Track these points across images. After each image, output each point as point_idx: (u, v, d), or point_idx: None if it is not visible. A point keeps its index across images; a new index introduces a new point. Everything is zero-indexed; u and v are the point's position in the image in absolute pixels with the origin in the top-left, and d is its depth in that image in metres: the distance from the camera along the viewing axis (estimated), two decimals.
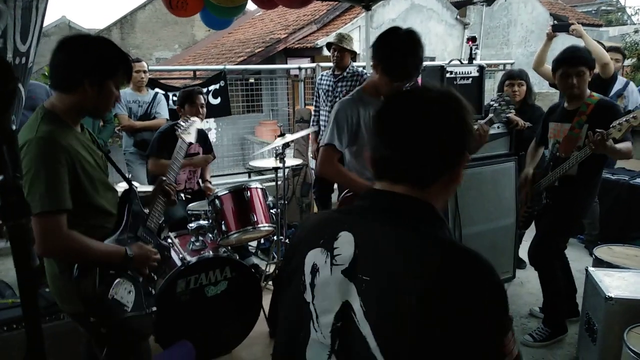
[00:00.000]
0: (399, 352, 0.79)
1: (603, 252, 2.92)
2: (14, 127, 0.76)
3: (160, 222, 1.94)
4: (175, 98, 4.96)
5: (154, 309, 1.75)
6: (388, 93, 2.15)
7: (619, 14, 22.68)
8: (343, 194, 2.30)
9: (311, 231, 0.99)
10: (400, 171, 0.92)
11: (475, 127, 2.20)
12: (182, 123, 2.49)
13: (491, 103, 2.29)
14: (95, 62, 1.55)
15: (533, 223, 3.07)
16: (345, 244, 0.89)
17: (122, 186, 2.38)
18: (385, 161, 0.94)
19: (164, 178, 2.02)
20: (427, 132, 0.90)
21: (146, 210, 1.88)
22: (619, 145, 2.43)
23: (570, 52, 2.65)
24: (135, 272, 1.69)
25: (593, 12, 19.97)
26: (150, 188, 3.43)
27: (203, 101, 3.45)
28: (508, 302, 0.81)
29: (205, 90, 5.19)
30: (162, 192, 1.97)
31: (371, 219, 0.91)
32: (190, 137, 2.44)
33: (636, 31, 12.29)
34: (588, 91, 2.65)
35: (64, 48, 1.55)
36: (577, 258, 3.56)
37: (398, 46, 2.03)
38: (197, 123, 2.58)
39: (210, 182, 3.77)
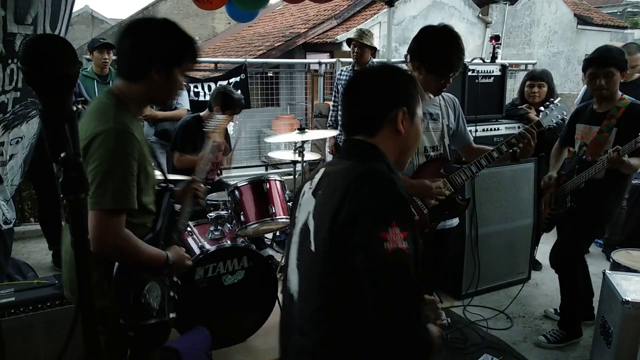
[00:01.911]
0: (320, 238, 1.14)
1: (621, 256, 2.89)
2: (74, 108, 0.81)
3: (187, 222, 1.88)
4: (196, 89, 5.02)
5: (173, 315, 1.71)
6: (437, 91, 2.21)
7: None
8: None
9: (311, 175, 1.34)
10: (354, 125, 1.28)
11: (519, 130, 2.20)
12: (211, 121, 2.40)
13: (547, 104, 2.27)
14: (163, 49, 1.49)
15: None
16: (319, 175, 1.28)
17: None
18: (346, 118, 1.32)
19: (195, 178, 1.96)
20: (363, 96, 1.27)
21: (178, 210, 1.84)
22: (633, 160, 2.42)
23: (600, 52, 2.62)
24: (165, 276, 1.66)
25: (618, 13, 19.55)
26: (173, 177, 3.50)
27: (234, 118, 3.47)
28: (402, 208, 1.09)
29: (225, 82, 5.24)
30: (191, 193, 1.91)
31: (337, 157, 1.31)
32: (220, 136, 2.39)
33: None
34: (619, 93, 2.60)
35: (131, 33, 1.50)
36: (594, 262, 3.52)
37: (439, 43, 2.08)
38: (225, 122, 2.52)
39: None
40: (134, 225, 1.53)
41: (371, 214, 1.05)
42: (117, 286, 1.50)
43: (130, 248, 1.48)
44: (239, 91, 5.36)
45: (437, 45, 2.09)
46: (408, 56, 2.23)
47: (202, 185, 1.98)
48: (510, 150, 2.18)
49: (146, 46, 1.48)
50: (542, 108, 2.32)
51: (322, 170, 1.28)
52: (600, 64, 2.53)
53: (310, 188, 1.26)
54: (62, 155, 0.75)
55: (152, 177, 1.61)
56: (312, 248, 1.16)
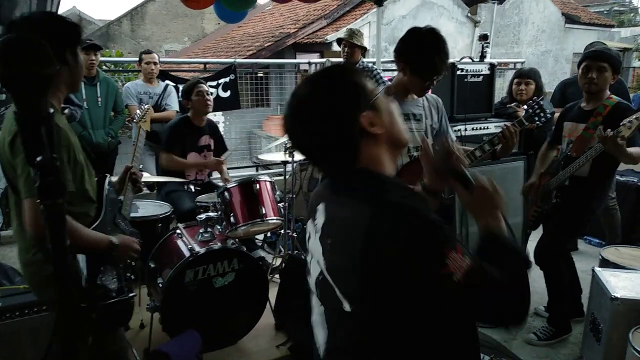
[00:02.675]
0: (352, 295, 0.98)
1: (609, 252, 2.92)
2: (51, 110, 0.78)
3: (130, 209, 2.02)
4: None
5: (133, 294, 1.79)
6: (421, 92, 2.22)
7: (632, 14, 22.45)
8: None
9: (310, 207, 1.18)
10: (328, 162, 1.10)
11: (501, 128, 2.22)
12: (138, 112, 2.51)
13: (530, 102, 2.30)
14: (64, 32, 1.55)
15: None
16: (321, 213, 1.09)
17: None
18: (316, 159, 1.12)
19: (130, 165, 2.08)
20: (316, 128, 1.04)
21: (120, 197, 1.95)
22: (630, 149, 2.43)
23: (597, 48, 2.73)
24: (117, 259, 1.73)
25: (605, 12, 19.78)
26: (159, 179, 3.47)
27: (207, 89, 3.46)
28: (440, 230, 0.93)
29: (215, 83, 5.21)
30: (131, 179, 2.03)
31: (331, 192, 1.11)
32: (147, 125, 2.47)
33: None
34: (608, 92, 2.66)
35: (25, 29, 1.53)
36: (584, 259, 3.55)
37: (424, 46, 2.09)
38: (150, 110, 2.55)
39: (228, 175, 3.75)
40: (75, 214, 1.58)
41: (421, 253, 0.90)
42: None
43: (70, 232, 1.50)
44: (229, 92, 5.35)
45: (421, 48, 2.09)
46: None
47: (139, 172, 2.10)
48: (491, 149, 2.21)
49: (54, 36, 1.48)
50: (525, 106, 2.35)
51: (322, 210, 1.08)
52: (595, 57, 2.60)
53: (316, 232, 1.09)
54: (38, 159, 0.73)
55: (86, 165, 1.66)
56: (346, 308, 0.98)
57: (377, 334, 0.96)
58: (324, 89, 1.05)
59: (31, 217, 1.45)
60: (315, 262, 1.09)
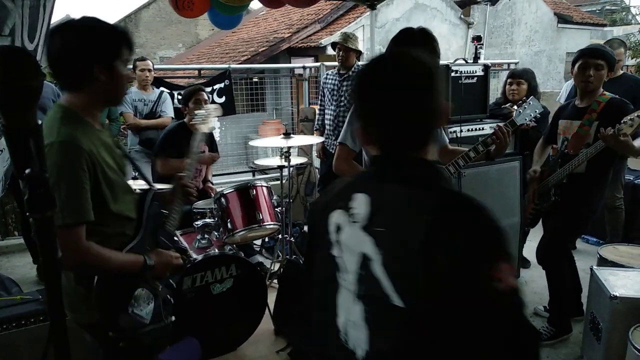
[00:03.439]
0: (407, 289, 0.91)
1: (608, 251, 2.92)
2: (39, 122, 0.76)
3: (177, 223, 1.82)
4: (180, 97, 4.99)
5: (173, 318, 1.68)
6: None
7: (624, 13, 22.59)
8: None
9: (332, 196, 1.11)
10: (403, 139, 1.02)
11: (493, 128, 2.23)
12: (198, 112, 2.32)
13: (521, 103, 2.33)
14: (96, 47, 1.41)
15: (540, 221, 3.06)
16: (361, 203, 1.01)
17: (138, 184, 2.35)
18: (392, 131, 1.03)
19: (183, 175, 1.89)
20: (413, 104, 0.99)
21: (165, 212, 1.78)
22: (637, 143, 2.45)
23: (594, 46, 2.75)
24: (155, 280, 1.62)
25: (597, 11, 19.89)
26: (158, 186, 3.45)
27: (206, 97, 3.46)
28: (503, 238, 0.91)
29: (209, 89, 5.21)
30: (181, 191, 1.84)
31: (380, 180, 1.03)
32: (207, 126, 2.30)
33: None
34: (601, 89, 2.67)
35: (57, 43, 1.41)
36: (582, 258, 3.55)
37: (414, 45, 2.10)
38: (215, 111, 2.40)
39: (211, 183, 3.78)
40: (109, 235, 1.50)
41: (477, 251, 0.88)
42: (99, 299, 1.47)
43: (96, 259, 1.43)
44: (224, 97, 5.34)
45: (412, 47, 2.11)
46: None
47: (192, 183, 1.91)
48: (485, 150, 2.22)
49: (79, 50, 1.40)
50: (515, 107, 2.38)
51: (363, 199, 1.02)
52: (592, 55, 2.61)
53: (354, 221, 1.01)
54: (27, 171, 0.72)
55: (121, 184, 1.56)
56: (398, 304, 0.92)
57: (432, 332, 0.90)
58: (422, 65, 1.02)
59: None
60: (354, 256, 1.00)
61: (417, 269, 0.89)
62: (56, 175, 1.34)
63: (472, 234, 0.89)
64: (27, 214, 0.73)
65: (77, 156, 1.37)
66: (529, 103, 2.32)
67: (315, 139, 4.18)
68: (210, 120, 2.32)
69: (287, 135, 3.36)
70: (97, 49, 1.41)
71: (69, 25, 1.43)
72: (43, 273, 0.78)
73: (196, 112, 2.35)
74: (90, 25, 1.43)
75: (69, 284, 1.52)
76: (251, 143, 3.85)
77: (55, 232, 0.76)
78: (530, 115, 2.32)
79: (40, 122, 0.77)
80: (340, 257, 1.03)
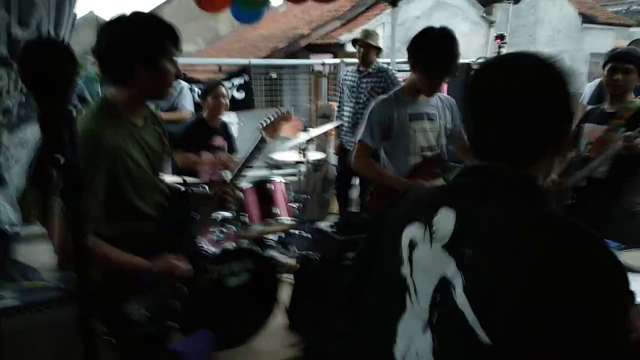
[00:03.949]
0: (499, 326, 0.77)
1: (630, 257, 2.84)
2: (73, 112, 0.78)
3: (204, 229, 1.82)
4: (200, 92, 5.02)
5: (177, 326, 1.66)
6: (429, 91, 2.23)
7: None
8: (371, 190, 2.35)
9: (409, 208, 0.99)
10: (501, 149, 0.89)
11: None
12: (267, 118, 2.16)
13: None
14: (141, 42, 1.42)
15: None
16: (445, 219, 0.88)
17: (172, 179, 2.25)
18: (482, 139, 0.92)
19: (227, 180, 1.85)
20: (526, 105, 0.86)
21: (195, 215, 1.73)
22: None
23: (624, 49, 2.71)
24: (160, 285, 1.61)
25: (623, 11, 19.43)
26: (173, 179, 3.50)
27: (225, 92, 3.48)
28: (627, 278, 0.77)
29: (229, 84, 5.24)
30: (222, 197, 1.79)
31: (472, 196, 0.89)
32: (277, 133, 2.17)
33: None
34: (632, 95, 2.62)
35: (105, 38, 1.43)
36: None
37: (434, 46, 2.12)
38: (285, 117, 2.19)
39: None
40: (127, 231, 1.49)
41: (604, 293, 0.75)
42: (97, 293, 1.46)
43: (98, 257, 1.40)
44: (243, 93, 5.37)
45: (429, 47, 2.11)
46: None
47: (235, 189, 1.86)
48: None
49: (124, 45, 1.41)
50: None
51: (448, 215, 0.88)
52: (622, 59, 2.56)
53: (435, 239, 0.88)
54: (61, 161, 0.73)
55: (148, 181, 1.55)
56: (483, 339, 0.78)
57: None
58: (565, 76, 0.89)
59: (56, 239, 1.38)
60: (430, 278, 0.87)
61: (517, 304, 0.76)
62: None
63: (598, 273, 0.76)
64: (61, 203, 0.74)
65: (93, 151, 1.37)
66: None
67: (332, 125, 4.13)
68: (279, 127, 2.15)
69: (305, 131, 3.37)
70: (140, 47, 1.42)
71: (117, 20, 1.44)
72: (74, 259, 0.80)
73: (267, 117, 2.18)
74: (136, 22, 1.44)
75: None
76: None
77: (86, 222, 0.77)
78: None
79: (74, 112, 0.78)
80: (412, 277, 0.91)
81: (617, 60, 2.57)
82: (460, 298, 0.81)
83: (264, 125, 2.12)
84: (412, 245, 0.92)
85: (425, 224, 0.90)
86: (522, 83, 0.87)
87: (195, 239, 1.75)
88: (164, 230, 1.61)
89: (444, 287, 0.85)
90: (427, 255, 0.89)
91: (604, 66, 2.65)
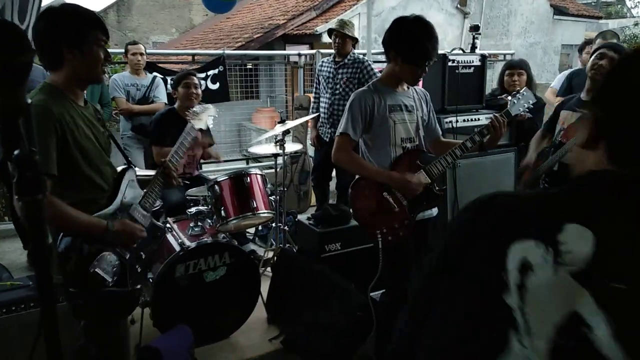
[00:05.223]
0: None
1: None
2: (28, 101, 0.73)
3: (156, 203, 1.97)
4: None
5: (138, 287, 1.79)
6: (413, 80, 2.23)
7: (619, 6, 22.60)
8: (353, 183, 2.34)
9: (509, 216, 0.76)
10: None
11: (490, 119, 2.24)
12: (195, 109, 2.44)
13: (514, 94, 2.37)
14: (64, 29, 1.60)
15: None
16: (578, 239, 0.68)
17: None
18: (630, 142, 0.72)
19: (167, 159, 2.04)
20: None
21: (143, 190, 1.92)
22: None
23: (616, 43, 2.90)
24: (122, 248, 1.74)
25: (593, 3, 19.87)
26: (149, 172, 3.42)
27: (196, 82, 3.41)
28: None
29: (203, 75, 5.15)
30: (162, 174, 1.99)
31: (616, 211, 0.69)
32: (201, 123, 2.40)
33: (636, 24, 12.27)
34: None
35: (36, 27, 1.63)
36: None
37: (413, 33, 2.10)
38: (210, 110, 2.51)
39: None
40: (83, 200, 1.64)
41: None
42: (61, 255, 1.57)
43: (56, 215, 1.53)
44: (217, 84, 5.29)
45: (411, 35, 2.10)
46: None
47: (176, 167, 2.06)
48: (481, 140, 2.23)
49: (49, 32, 1.60)
50: (509, 97, 2.41)
51: (582, 232, 0.68)
52: (611, 48, 2.67)
53: (562, 264, 0.67)
54: (15, 152, 0.69)
55: (96, 153, 1.70)
56: None
57: None
58: None
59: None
60: (553, 313, 0.66)
61: None
62: None
63: None
64: (16, 196, 0.70)
65: (44, 117, 1.53)
66: (523, 94, 2.35)
67: (309, 117, 4.09)
68: (204, 117, 2.42)
69: (282, 122, 3.33)
70: (64, 31, 1.60)
71: (46, 11, 1.65)
72: (32, 257, 0.76)
73: (192, 109, 2.43)
74: (61, 11, 1.63)
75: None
76: (247, 125, 3.80)
77: (45, 216, 0.74)
78: (524, 105, 2.34)
79: (29, 101, 0.73)
80: (523, 311, 0.68)
81: (607, 48, 2.67)
82: (607, 345, 0.62)
83: (191, 114, 2.37)
84: (524, 269, 0.70)
85: (546, 243, 0.69)
86: None
87: (146, 210, 1.90)
88: (119, 201, 1.76)
89: (573, 328, 0.65)
90: (548, 285, 0.68)
91: (592, 54, 2.75)
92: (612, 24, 15.17)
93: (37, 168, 0.73)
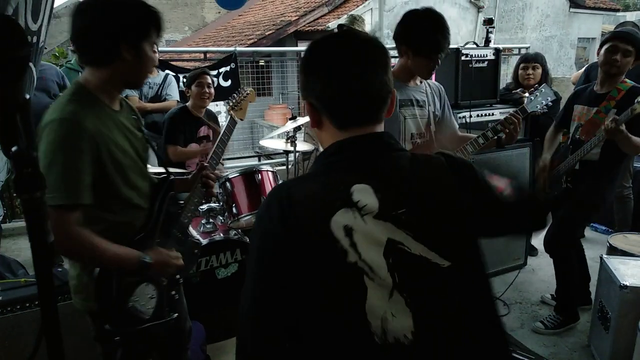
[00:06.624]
0: (455, 243, 0.96)
1: (618, 240, 2.88)
2: (27, 97, 0.72)
3: (192, 215, 1.75)
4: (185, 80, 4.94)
5: (175, 315, 1.62)
6: (426, 73, 2.19)
7: None
8: None
9: (318, 202, 0.95)
10: (372, 114, 1.05)
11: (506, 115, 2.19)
12: (235, 95, 2.22)
13: (532, 90, 2.30)
14: (127, 24, 1.36)
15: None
16: (364, 193, 0.94)
17: (153, 169, 2.27)
18: (361, 108, 1.03)
19: (206, 164, 1.80)
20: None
21: (181, 203, 1.71)
22: (635, 138, 2.37)
23: (627, 29, 2.69)
24: (156, 278, 1.56)
25: None
26: (159, 170, 3.43)
27: (210, 81, 3.41)
28: None
29: (215, 72, 5.15)
30: (202, 181, 1.76)
31: (372, 162, 0.99)
32: (242, 113, 2.20)
33: None
34: (623, 76, 2.59)
35: (87, 15, 1.36)
36: (590, 246, 3.51)
37: (424, 25, 2.06)
38: (250, 95, 2.27)
39: (222, 164, 3.73)
40: (115, 224, 1.44)
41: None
42: (99, 289, 1.42)
43: (83, 248, 1.34)
44: (229, 81, 5.29)
45: (422, 28, 2.06)
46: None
47: (215, 174, 1.84)
48: (496, 137, 2.18)
49: (109, 25, 1.34)
50: (527, 94, 2.33)
51: (366, 188, 0.95)
52: (623, 39, 2.51)
53: (365, 214, 0.93)
54: (13, 149, 0.67)
55: (134, 169, 1.49)
56: (444, 262, 0.93)
57: (477, 275, 0.99)
58: None
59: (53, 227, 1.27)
60: (378, 249, 0.92)
61: (461, 216, 0.97)
62: (54, 153, 1.28)
63: (473, 168, 1.07)
64: (15, 194, 0.70)
65: (77, 135, 1.30)
66: (541, 91, 2.28)
67: None
68: (245, 104, 2.22)
69: (293, 119, 3.32)
70: (126, 26, 1.37)
71: (103, 1, 1.38)
72: (33, 256, 0.75)
73: (231, 99, 2.23)
74: (122, 2, 1.39)
75: (74, 269, 1.50)
76: (259, 122, 3.79)
77: (45, 214, 0.72)
78: (542, 102, 2.28)
79: (28, 97, 0.72)
80: (361, 259, 0.91)
81: (619, 39, 2.51)
82: (415, 247, 0.93)
83: (231, 105, 2.20)
84: (348, 231, 0.92)
85: (349, 206, 0.93)
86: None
87: (185, 226, 1.71)
88: (155, 220, 1.55)
89: (392, 249, 0.92)
90: (365, 232, 0.92)
91: (603, 44, 2.59)
92: (630, 16, 14.86)
93: (36, 165, 0.70)
